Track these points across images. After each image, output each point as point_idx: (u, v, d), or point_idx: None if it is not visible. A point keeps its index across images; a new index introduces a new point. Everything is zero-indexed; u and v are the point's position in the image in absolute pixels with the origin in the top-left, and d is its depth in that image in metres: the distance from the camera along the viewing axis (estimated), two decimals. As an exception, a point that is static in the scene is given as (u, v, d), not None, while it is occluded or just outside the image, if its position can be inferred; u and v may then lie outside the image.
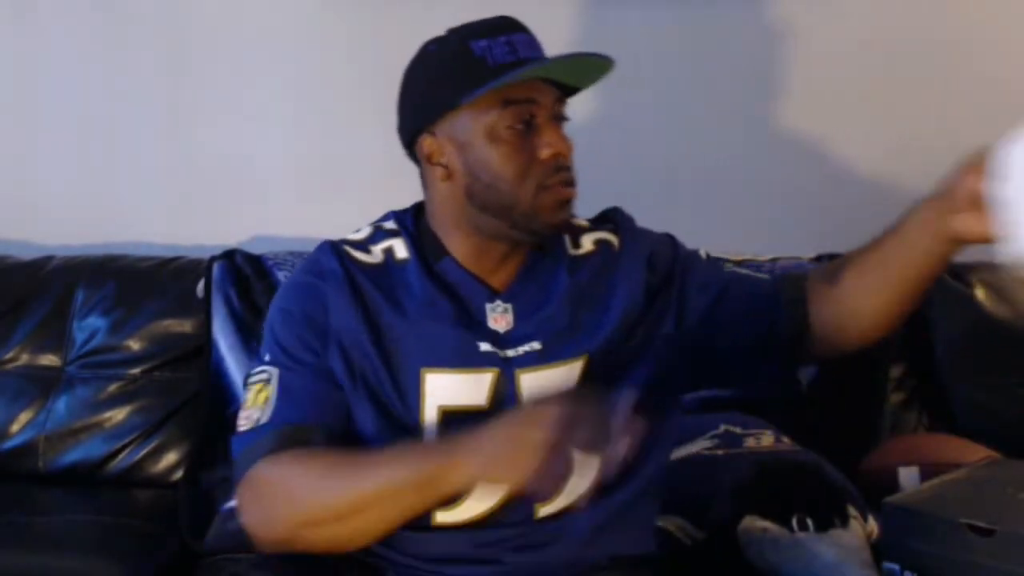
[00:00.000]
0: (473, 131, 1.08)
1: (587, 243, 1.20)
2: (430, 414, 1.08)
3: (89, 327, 1.95)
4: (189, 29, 2.16)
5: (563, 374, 1.11)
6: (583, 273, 1.17)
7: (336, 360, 1.09)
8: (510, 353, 1.11)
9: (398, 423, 1.08)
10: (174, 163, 2.19)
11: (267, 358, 1.11)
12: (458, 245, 1.14)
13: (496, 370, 1.10)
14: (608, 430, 0.89)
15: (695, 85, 2.10)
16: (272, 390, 1.07)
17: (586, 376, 1.11)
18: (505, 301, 1.13)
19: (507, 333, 1.12)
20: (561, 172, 1.09)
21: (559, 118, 1.11)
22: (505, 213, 1.09)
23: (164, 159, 2.19)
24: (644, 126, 2.09)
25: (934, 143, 2.08)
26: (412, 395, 1.08)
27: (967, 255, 2.13)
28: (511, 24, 1.11)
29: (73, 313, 1.96)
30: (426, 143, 1.12)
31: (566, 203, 1.10)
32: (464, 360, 1.10)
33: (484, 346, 1.10)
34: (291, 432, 1.05)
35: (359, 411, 1.09)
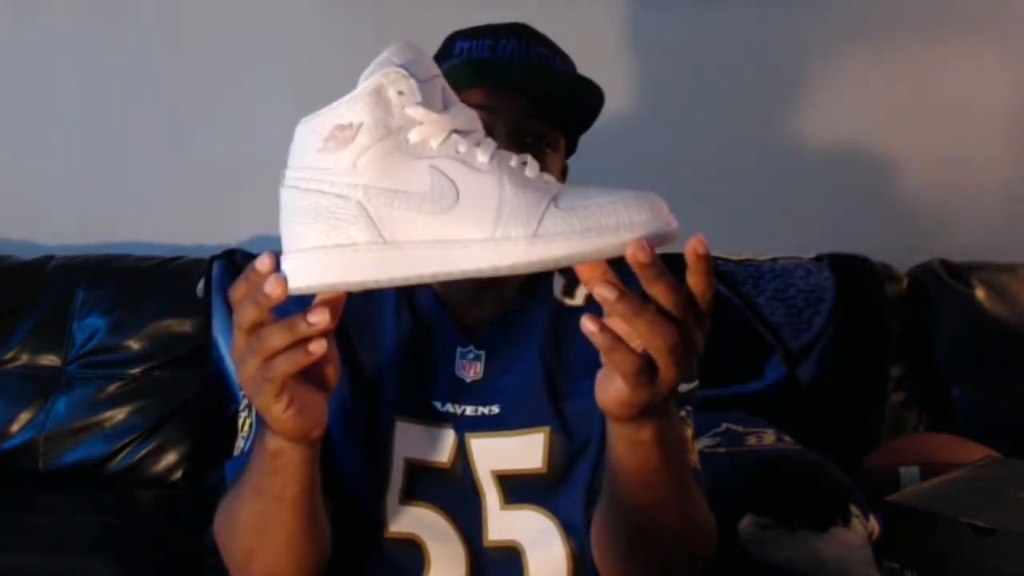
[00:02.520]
0: None
1: (582, 294, 1.04)
2: (397, 465, 1.00)
3: (89, 327, 1.94)
4: (189, 29, 2.16)
5: (518, 445, 0.99)
6: (568, 328, 0.99)
7: None
8: (468, 411, 1.00)
9: (368, 466, 1.01)
10: (174, 163, 2.18)
11: None
12: None
13: (456, 428, 1.00)
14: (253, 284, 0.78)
15: (695, 85, 2.10)
16: (253, 417, 1.00)
17: (548, 451, 0.99)
18: (478, 348, 1.01)
19: (473, 383, 1.01)
20: None
21: (524, 135, 0.96)
22: None
23: (164, 159, 2.19)
24: (644, 126, 2.09)
25: (934, 143, 2.10)
26: (382, 443, 1.00)
27: (967, 255, 2.15)
28: (513, 29, 1.02)
29: (73, 313, 1.96)
30: None
31: None
32: (432, 412, 1.00)
33: (448, 401, 1.01)
34: None
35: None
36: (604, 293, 0.69)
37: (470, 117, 0.74)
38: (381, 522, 1.01)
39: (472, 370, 1.01)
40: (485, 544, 1.01)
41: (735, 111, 2.10)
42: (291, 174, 0.77)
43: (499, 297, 1.02)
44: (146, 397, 1.91)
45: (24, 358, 1.95)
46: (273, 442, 0.81)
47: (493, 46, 0.99)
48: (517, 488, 1.00)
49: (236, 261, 1.92)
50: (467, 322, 1.03)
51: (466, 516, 1.01)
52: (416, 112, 0.71)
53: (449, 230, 0.69)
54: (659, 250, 0.69)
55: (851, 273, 1.91)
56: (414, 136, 0.71)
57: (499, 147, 0.73)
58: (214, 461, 1.80)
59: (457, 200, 0.70)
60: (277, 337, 0.74)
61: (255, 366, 0.75)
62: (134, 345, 1.93)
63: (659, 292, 0.69)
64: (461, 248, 0.69)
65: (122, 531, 1.68)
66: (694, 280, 0.71)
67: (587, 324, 0.69)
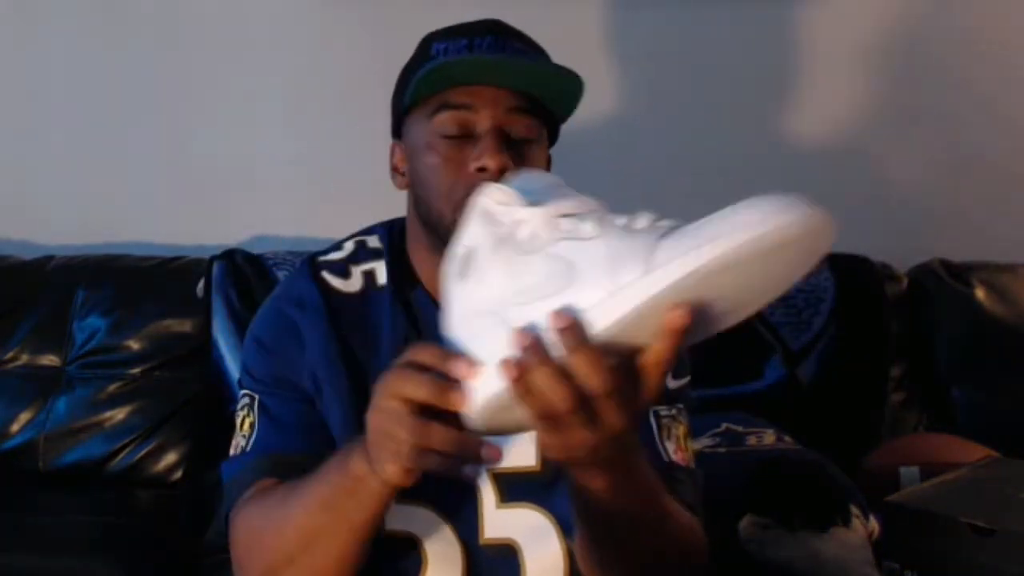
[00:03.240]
0: (417, 137, 1.00)
1: None
2: None
3: (89, 327, 1.94)
4: (189, 29, 2.16)
5: (511, 443, 0.96)
6: None
7: (312, 392, 1.02)
8: None
9: None
10: (174, 163, 2.18)
11: (245, 383, 1.06)
12: (427, 270, 1.03)
13: None
14: (440, 366, 0.77)
15: (694, 85, 2.10)
16: (255, 416, 1.02)
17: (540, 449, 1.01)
18: None
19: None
20: None
21: (507, 131, 0.97)
22: (435, 231, 0.98)
23: (164, 159, 2.19)
24: (644, 126, 2.09)
25: (935, 142, 2.10)
26: None
27: (967, 255, 2.15)
28: (487, 27, 1.01)
29: (73, 313, 1.96)
30: (395, 151, 1.07)
31: None
32: None
33: None
34: (274, 461, 0.98)
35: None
36: (518, 339, 0.69)
37: (578, 202, 0.75)
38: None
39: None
40: (481, 542, 1.01)
41: (734, 111, 2.09)
42: (447, 314, 0.79)
43: None
44: (146, 397, 1.91)
45: (24, 358, 1.95)
46: (361, 468, 0.81)
47: (469, 45, 0.99)
48: (513, 486, 1.00)
49: (236, 261, 1.92)
50: None
51: (462, 514, 1.01)
52: (520, 213, 0.74)
53: (575, 301, 0.70)
54: (808, 242, 0.67)
55: (851, 273, 1.90)
56: (523, 233, 0.74)
57: (607, 212, 0.74)
58: (214, 461, 1.79)
59: (574, 274, 0.70)
60: (444, 441, 0.75)
61: (405, 439, 0.76)
62: (134, 345, 1.93)
63: (574, 363, 0.69)
64: (590, 312, 0.69)
65: (122, 531, 1.68)
66: (658, 345, 0.69)
67: (506, 366, 0.70)
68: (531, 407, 0.70)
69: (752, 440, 1.57)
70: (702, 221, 0.68)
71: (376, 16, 2.09)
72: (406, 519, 1.00)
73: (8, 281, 2.01)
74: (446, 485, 0.99)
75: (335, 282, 1.05)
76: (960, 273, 1.93)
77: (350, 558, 0.89)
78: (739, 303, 0.71)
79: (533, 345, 0.69)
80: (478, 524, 1.01)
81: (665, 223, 0.71)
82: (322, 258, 1.09)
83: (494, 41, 0.99)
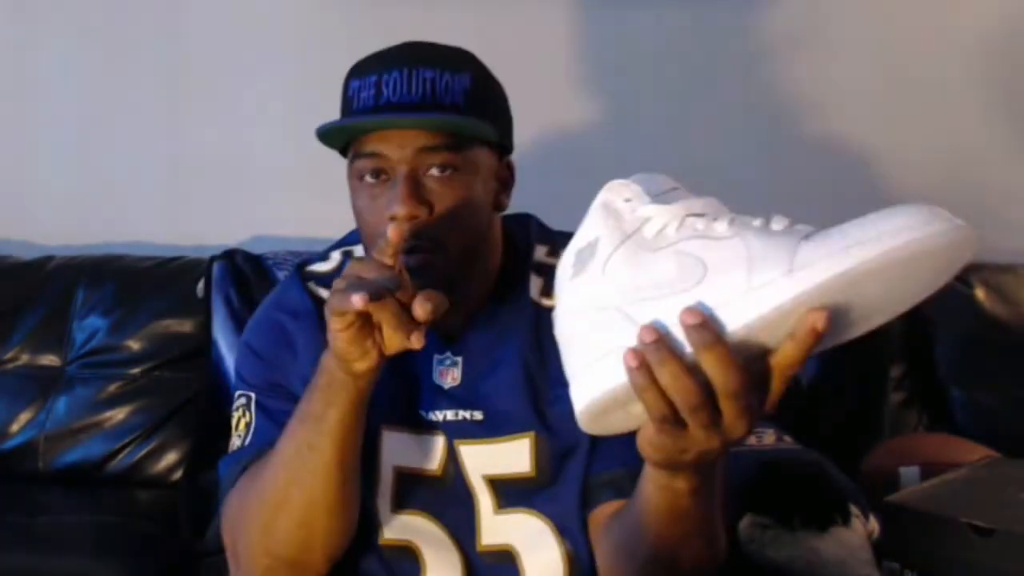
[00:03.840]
0: (349, 174, 1.01)
1: None
2: (386, 473, 1.01)
3: (89, 327, 1.95)
4: (188, 29, 2.16)
5: (505, 451, 1.00)
6: (550, 330, 0.88)
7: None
8: (451, 417, 1.01)
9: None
10: (174, 163, 2.19)
11: (240, 385, 1.08)
12: None
13: (445, 435, 1.01)
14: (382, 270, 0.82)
15: (696, 86, 2.10)
16: (251, 415, 1.04)
17: (535, 455, 1.00)
18: (455, 354, 1.03)
19: (451, 390, 1.02)
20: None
21: (418, 175, 0.95)
22: None
23: (164, 159, 2.19)
24: (644, 126, 2.09)
25: (935, 142, 2.10)
26: (369, 451, 0.99)
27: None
28: (396, 57, 1.00)
29: (73, 313, 1.96)
30: None
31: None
32: (418, 419, 1.02)
33: (432, 408, 1.02)
34: (266, 453, 0.99)
35: None
36: (645, 333, 0.69)
37: (705, 202, 0.75)
38: (375, 528, 1.01)
39: (450, 376, 1.02)
40: (479, 548, 1.01)
41: (734, 111, 2.09)
42: (559, 310, 0.78)
43: (467, 302, 1.02)
44: (146, 397, 1.91)
45: (24, 358, 1.96)
46: (337, 374, 0.87)
47: (377, 83, 0.98)
48: (509, 492, 1.01)
49: (236, 261, 1.92)
50: (442, 329, 1.03)
51: (459, 522, 1.01)
52: (647, 210, 0.74)
53: (706, 299, 0.69)
54: (953, 253, 0.67)
55: (851, 273, 1.90)
56: (649, 230, 0.73)
57: (737, 214, 0.73)
58: (214, 461, 1.79)
59: (706, 272, 0.70)
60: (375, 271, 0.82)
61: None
62: (134, 345, 1.93)
63: (704, 360, 0.68)
64: (723, 309, 0.68)
65: (122, 531, 1.68)
66: (791, 347, 0.69)
67: (629, 359, 0.69)
68: (651, 403, 0.69)
69: (752, 440, 1.57)
70: (845, 225, 0.68)
71: (377, 16, 2.09)
72: (404, 528, 1.01)
73: (8, 281, 2.01)
74: (442, 495, 1.00)
75: (324, 293, 1.05)
76: (960, 273, 1.93)
77: (333, 488, 0.92)
78: (875, 310, 0.71)
79: (661, 340, 0.68)
80: (476, 530, 1.01)
81: (802, 227, 0.71)
82: (310, 268, 1.10)
83: (401, 77, 0.97)
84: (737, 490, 1.41)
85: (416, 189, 0.95)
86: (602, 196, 0.76)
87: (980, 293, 1.91)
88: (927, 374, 1.92)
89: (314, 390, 0.90)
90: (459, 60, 1.01)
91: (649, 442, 0.73)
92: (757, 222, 0.71)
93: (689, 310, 0.67)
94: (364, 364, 0.85)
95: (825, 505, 1.37)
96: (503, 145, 1.04)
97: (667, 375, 0.68)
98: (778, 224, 0.71)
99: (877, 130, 2.09)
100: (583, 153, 1.97)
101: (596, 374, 0.73)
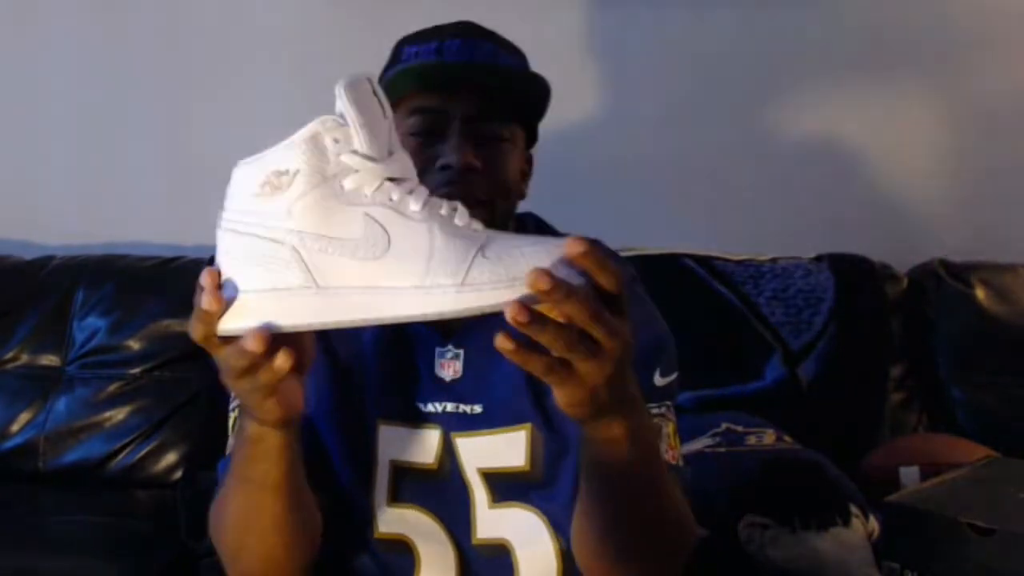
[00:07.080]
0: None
1: None
2: (382, 467, 1.01)
3: (89, 327, 1.95)
4: (189, 29, 2.16)
5: (501, 443, 1.00)
6: None
7: None
8: (449, 408, 1.01)
9: (353, 467, 1.01)
10: (174, 163, 2.18)
11: None
12: None
13: (441, 428, 1.01)
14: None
15: (696, 86, 2.10)
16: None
17: (530, 448, 1.00)
18: (456, 347, 1.02)
19: (453, 383, 1.01)
20: (451, 185, 0.94)
21: (477, 135, 0.97)
22: None
23: (164, 159, 2.19)
24: (645, 127, 2.09)
25: (936, 142, 2.10)
26: (365, 445, 1.00)
27: (967, 255, 2.15)
28: (457, 29, 1.02)
29: (73, 313, 1.96)
30: None
31: None
32: (415, 413, 1.01)
33: (431, 401, 1.01)
34: None
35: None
36: (511, 313, 0.68)
37: (405, 165, 0.75)
38: (370, 522, 1.01)
39: (451, 369, 1.02)
40: (474, 542, 1.01)
41: (735, 111, 2.10)
42: (227, 216, 0.78)
43: None
44: (146, 397, 1.91)
45: (24, 358, 1.95)
46: (254, 429, 0.82)
47: (439, 48, 0.99)
48: (504, 486, 1.01)
49: (236, 261, 1.92)
50: (444, 321, 1.02)
51: (454, 516, 1.01)
52: (351, 160, 0.73)
53: (381, 277, 0.71)
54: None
55: (851, 273, 1.91)
56: (349, 183, 0.73)
57: (431, 194, 0.74)
58: (214, 461, 1.80)
59: (389, 247, 0.71)
60: (236, 359, 0.74)
61: (234, 380, 0.76)
62: (134, 345, 1.93)
63: (565, 308, 0.68)
64: (392, 295, 0.70)
65: (122, 531, 1.68)
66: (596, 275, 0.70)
67: (501, 343, 0.69)
68: (535, 361, 0.70)
69: (752, 440, 1.57)
70: (516, 247, 0.70)
71: (376, 16, 2.09)
72: (399, 521, 1.01)
73: (8, 281, 2.01)
74: (437, 488, 0.99)
75: None
76: (960, 273, 1.93)
77: (286, 529, 0.89)
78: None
79: (552, 289, 0.67)
80: (470, 524, 1.01)
81: (479, 229, 0.72)
82: None
83: (463, 44, 1.00)
84: (737, 490, 1.41)
85: (474, 142, 0.96)
86: (313, 127, 0.75)
87: (980, 293, 1.91)
88: (927, 374, 1.92)
89: (247, 459, 0.86)
90: (512, 45, 1.04)
91: (563, 403, 0.74)
92: (444, 210, 0.73)
93: (539, 273, 0.67)
94: (297, 414, 0.82)
95: (825, 505, 1.37)
96: (534, 133, 1.06)
97: (536, 329, 0.68)
98: (461, 219, 0.73)
99: (876, 131, 2.09)
100: (583, 153, 1.97)
101: (252, 304, 0.73)
